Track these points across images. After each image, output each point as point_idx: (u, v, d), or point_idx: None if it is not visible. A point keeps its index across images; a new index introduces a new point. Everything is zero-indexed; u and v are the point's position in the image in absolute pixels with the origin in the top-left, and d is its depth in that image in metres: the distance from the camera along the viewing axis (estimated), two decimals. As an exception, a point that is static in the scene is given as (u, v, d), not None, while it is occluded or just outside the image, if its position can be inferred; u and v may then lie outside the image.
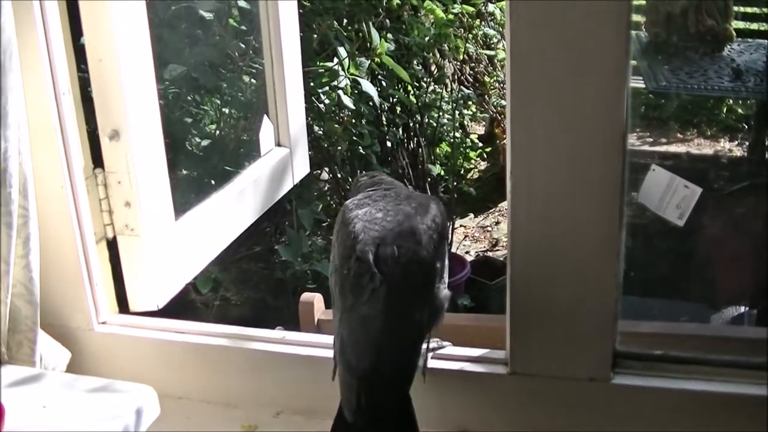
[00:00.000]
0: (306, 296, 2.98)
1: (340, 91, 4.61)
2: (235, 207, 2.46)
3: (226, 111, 4.17)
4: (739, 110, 5.97)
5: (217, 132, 4.19)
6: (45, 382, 1.70)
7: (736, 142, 5.93)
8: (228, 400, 1.99)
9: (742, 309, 3.84)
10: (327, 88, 4.70)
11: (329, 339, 1.91)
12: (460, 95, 6.08)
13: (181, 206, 2.22)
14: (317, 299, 2.94)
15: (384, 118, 5.35)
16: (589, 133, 1.57)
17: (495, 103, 6.75)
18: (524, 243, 1.67)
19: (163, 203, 2.10)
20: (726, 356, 1.74)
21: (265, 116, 2.71)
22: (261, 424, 1.92)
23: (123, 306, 2.09)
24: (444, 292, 1.66)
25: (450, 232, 5.65)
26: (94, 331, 2.01)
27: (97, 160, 1.99)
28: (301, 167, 2.84)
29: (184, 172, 3.40)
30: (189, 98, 4.11)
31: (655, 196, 2.02)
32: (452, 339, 1.86)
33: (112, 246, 2.05)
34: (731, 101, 5.83)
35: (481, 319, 2.82)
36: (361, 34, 4.87)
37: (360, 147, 5.08)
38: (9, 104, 1.66)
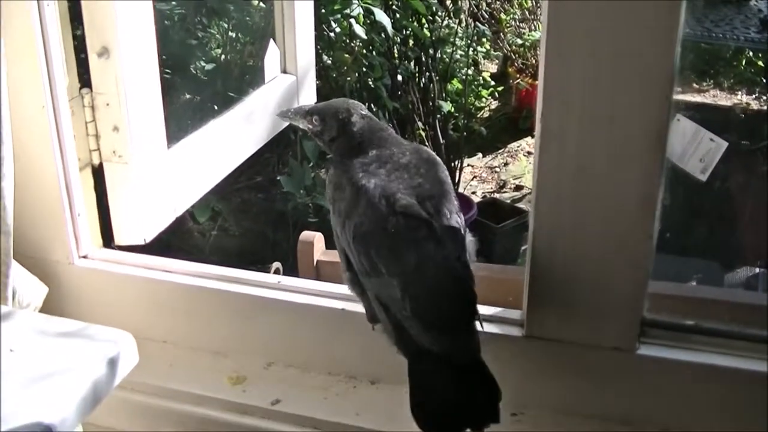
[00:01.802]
0: (305, 235, 2.83)
1: (352, 20, 4.47)
2: (233, 136, 2.31)
3: (233, 35, 4.03)
4: (759, 63, 5.81)
5: (223, 56, 4.05)
6: (15, 321, 1.55)
7: (754, 96, 5.78)
8: (216, 347, 1.86)
9: (757, 270, 3.73)
10: (338, 15, 4.55)
11: (328, 287, 1.79)
12: (474, 31, 5.93)
13: (175, 133, 2.07)
14: (317, 239, 2.79)
15: (396, 51, 5.22)
16: (633, 81, 1.39)
17: (510, 42, 6.61)
18: (551, 195, 1.51)
19: (154, 129, 1.95)
20: (763, 331, 1.58)
21: (272, 41, 2.54)
22: (250, 375, 1.80)
23: (108, 240, 1.96)
24: (470, 240, 1.56)
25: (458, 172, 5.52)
26: (75, 265, 1.88)
27: (85, 79, 1.83)
28: (307, 96, 2.69)
29: (180, 96, 3.25)
30: (196, 20, 3.98)
31: (677, 148, 1.91)
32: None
33: (98, 174, 1.91)
34: (751, 53, 5.67)
35: (493, 269, 2.69)
36: (376, -39, 4.71)
37: (370, 79, 4.95)
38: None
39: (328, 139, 1.63)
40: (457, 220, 1.51)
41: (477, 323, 1.47)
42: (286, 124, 2.55)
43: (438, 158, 1.62)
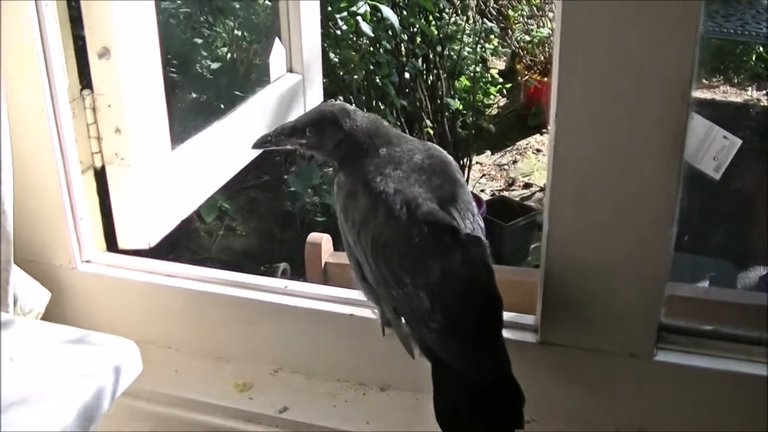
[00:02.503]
0: (313, 237, 2.79)
1: (358, 17, 4.42)
2: (238, 137, 2.26)
3: (239, 33, 3.99)
4: (770, 58, 5.78)
5: (228, 55, 4.02)
6: (15, 330, 1.51)
7: (765, 92, 5.74)
8: (221, 353, 1.82)
9: (773, 269, 3.68)
10: (345, 13, 4.51)
11: (336, 292, 1.76)
12: (482, 28, 5.89)
13: (179, 134, 2.03)
14: (325, 240, 2.74)
15: (403, 48, 5.17)
16: (650, 80, 1.35)
17: (518, 38, 6.56)
18: (566, 198, 1.47)
19: (157, 130, 1.91)
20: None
21: (277, 39, 2.50)
22: (256, 381, 1.76)
23: (111, 243, 1.91)
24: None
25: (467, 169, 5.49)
26: (77, 270, 1.84)
27: (86, 80, 1.79)
28: (314, 95, 2.65)
29: (184, 96, 3.21)
30: (201, 18, 3.94)
31: (691, 146, 1.88)
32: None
33: (101, 176, 1.87)
34: (761, 48, 5.63)
35: (503, 271, 2.64)
36: (383, -43, 4.67)
37: (377, 76, 4.90)
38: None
39: (332, 147, 1.54)
40: (479, 222, 1.47)
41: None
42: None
43: (448, 155, 1.56)
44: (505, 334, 1.59)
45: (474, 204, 1.50)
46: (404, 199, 1.42)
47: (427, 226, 1.39)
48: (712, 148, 1.78)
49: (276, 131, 1.56)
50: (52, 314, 1.77)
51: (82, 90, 1.78)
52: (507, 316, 1.63)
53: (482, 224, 1.49)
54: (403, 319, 1.46)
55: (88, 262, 1.84)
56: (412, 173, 1.46)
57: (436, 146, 1.57)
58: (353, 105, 4.74)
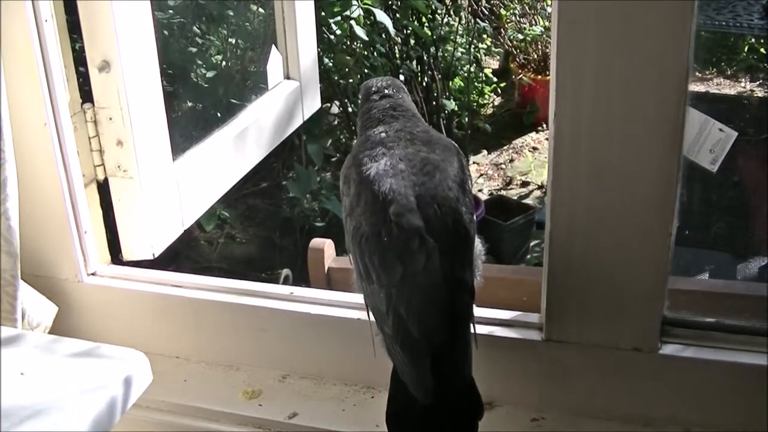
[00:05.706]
0: (315, 242, 2.80)
1: (352, 21, 4.43)
2: (239, 146, 2.28)
3: (233, 41, 4.00)
4: (762, 50, 5.78)
5: (223, 63, 4.02)
6: (24, 344, 1.52)
7: (758, 83, 5.74)
8: (229, 361, 1.83)
9: (769, 260, 3.70)
10: (338, 17, 4.52)
11: (342, 296, 1.76)
12: (475, 28, 5.90)
13: (179, 145, 2.05)
14: (327, 246, 2.76)
15: (397, 51, 5.18)
16: (647, 72, 1.36)
17: (511, 37, 6.57)
18: (567, 195, 1.48)
19: (159, 142, 1.92)
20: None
21: (274, 47, 2.51)
22: (265, 388, 1.77)
23: (116, 256, 1.92)
24: (480, 246, 1.48)
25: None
26: (83, 282, 1.85)
27: (87, 94, 1.80)
28: (311, 102, 2.67)
29: (183, 107, 3.22)
30: (195, 28, 3.94)
31: (687, 139, 1.89)
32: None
33: (104, 189, 1.88)
34: (753, 39, 5.63)
35: (505, 270, 2.66)
36: (374, -39, 4.68)
37: (372, 80, 4.90)
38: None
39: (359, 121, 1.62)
40: (464, 225, 1.41)
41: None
42: (293, 130, 2.53)
43: (455, 147, 1.53)
44: (511, 333, 1.62)
45: (469, 202, 1.45)
46: (383, 190, 1.39)
47: (396, 227, 1.36)
48: (708, 141, 1.80)
49: None
50: (59, 328, 1.78)
51: (83, 104, 1.79)
52: (512, 315, 1.66)
53: (471, 231, 1.43)
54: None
55: (93, 274, 1.85)
56: (400, 162, 1.44)
57: (448, 144, 1.53)
58: (349, 109, 4.74)
